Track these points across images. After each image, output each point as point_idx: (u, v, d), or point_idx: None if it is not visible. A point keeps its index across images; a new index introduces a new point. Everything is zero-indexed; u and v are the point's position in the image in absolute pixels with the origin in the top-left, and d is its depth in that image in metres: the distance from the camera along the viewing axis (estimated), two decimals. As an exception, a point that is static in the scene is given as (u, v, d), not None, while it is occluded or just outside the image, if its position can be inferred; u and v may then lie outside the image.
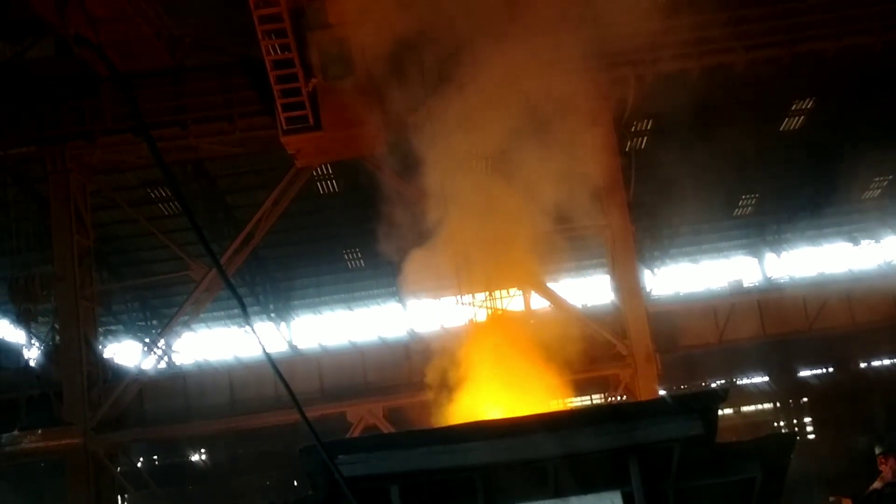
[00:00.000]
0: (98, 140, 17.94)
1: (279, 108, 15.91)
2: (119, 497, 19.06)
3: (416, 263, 14.38)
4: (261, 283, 28.05)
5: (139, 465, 22.05)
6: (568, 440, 7.29)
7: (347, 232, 25.08)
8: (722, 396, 7.81)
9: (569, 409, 8.88)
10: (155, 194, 21.50)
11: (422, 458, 7.36)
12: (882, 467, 13.76)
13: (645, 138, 21.38)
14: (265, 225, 18.38)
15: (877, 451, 13.93)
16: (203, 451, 25.19)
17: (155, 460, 24.88)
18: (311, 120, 15.97)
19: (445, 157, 13.40)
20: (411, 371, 18.25)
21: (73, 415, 17.07)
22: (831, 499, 13.63)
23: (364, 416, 17.42)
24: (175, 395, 18.25)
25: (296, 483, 22.59)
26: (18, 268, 17.80)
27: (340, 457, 7.38)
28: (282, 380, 5.62)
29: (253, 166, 20.83)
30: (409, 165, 14.15)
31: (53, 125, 17.84)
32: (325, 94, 15.93)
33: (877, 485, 13.77)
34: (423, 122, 13.80)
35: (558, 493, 7.63)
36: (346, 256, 27.19)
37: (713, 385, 23.42)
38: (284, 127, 16.17)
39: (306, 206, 22.31)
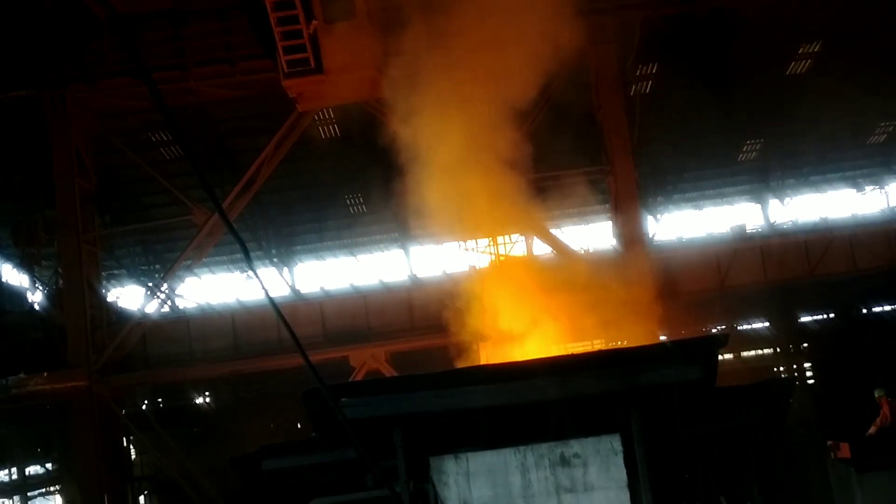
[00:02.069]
0: (98, 83, 17.80)
1: (280, 51, 15.73)
2: (124, 439, 19.28)
3: (418, 208, 14.36)
4: (263, 228, 28.02)
5: (144, 407, 22.27)
6: (569, 384, 7.35)
7: (349, 177, 24.96)
8: (722, 342, 7.85)
9: (570, 353, 8.92)
10: (156, 138, 21.37)
11: (425, 401, 7.43)
12: (883, 410, 13.95)
13: (650, 83, 21.15)
14: (267, 170, 18.31)
15: (876, 394, 14.08)
16: (207, 394, 25.42)
17: (160, 403, 25.08)
18: (312, 63, 15.80)
19: (447, 101, 13.30)
20: (413, 316, 18.35)
21: (77, 358, 17.20)
22: (829, 443, 13.74)
23: (367, 360, 17.54)
24: (178, 338, 18.36)
25: (299, 426, 22.84)
26: (21, 212, 17.79)
27: (344, 400, 7.47)
28: (285, 323, 5.64)
29: (254, 110, 20.65)
30: (411, 109, 14.04)
31: (53, 69, 17.69)
32: (326, 37, 15.73)
33: (872, 430, 13.94)
34: (424, 64, 13.67)
35: (559, 437, 7.71)
36: (348, 202, 27.10)
37: (714, 331, 23.49)
38: (285, 70, 16.00)
39: (308, 151, 22.18)
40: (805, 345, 24.60)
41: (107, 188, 20.98)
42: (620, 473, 7.48)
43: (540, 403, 7.51)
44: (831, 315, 25.07)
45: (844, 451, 13.23)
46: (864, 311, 24.95)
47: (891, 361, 19.47)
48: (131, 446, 21.10)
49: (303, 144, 19.74)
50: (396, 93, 14.41)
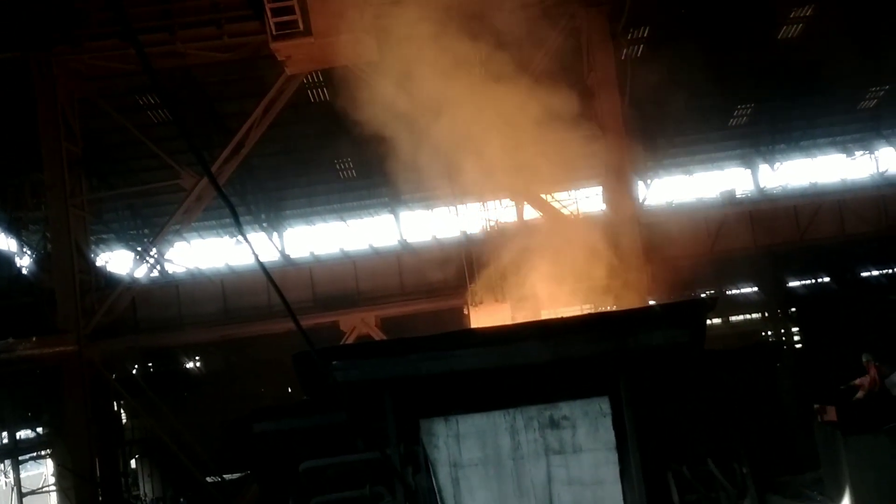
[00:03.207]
0: (84, 45, 17.61)
1: (268, 13, 15.57)
2: (115, 403, 19.32)
3: (409, 173, 14.31)
4: (252, 192, 27.92)
5: (134, 372, 22.29)
6: (558, 347, 7.37)
7: (339, 142, 24.82)
8: (710, 305, 7.89)
9: (558, 316, 8.95)
10: (143, 101, 21.21)
11: (415, 364, 7.45)
12: (870, 374, 14.09)
13: (641, 46, 21.04)
14: (255, 134, 18.20)
15: (863, 359, 14.22)
16: (198, 358, 25.46)
17: (150, 368, 25.12)
18: (300, 25, 15.65)
19: (437, 63, 13.21)
20: (403, 281, 18.37)
21: (66, 322, 17.18)
22: (816, 406, 13.88)
23: (357, 325, 17.58)
24: (168, 303, 18.34)
25: (290, 390, 22.92)
26: (8, 176, 17.67)
27: (334, 363, 7.48)
28: (275, 287, 5.63)
29: (242, 74, 20.47)
30: (401, 72, 13.94)
31: (38, 31, 17.46)
32: (315, -1, 15.58)
33: (860, 394, 14.09)
34: (413, 27, 13.55)
35: (548, 399, 7.75)
36: (337, 167, 27.00)
37: (703, 295, 23.59)
38: (274, 33, 15.84)
39: (297, 115, 22.05)
40: (793, 309, 24.74)
41: (94, 152, 20.84)
42: (609, 435, 7.54)
43: (529, 366, 7.54)
44: (820, 280, 25.19)
45: (831, 414, 13.38)
46: (853, 275, 25.07)
47: (878, 326, 19.62)
48: (122, 411, 21.15)
49: (292, 108, 19.61)
50: (386, 56, 14.32)
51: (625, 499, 7.48)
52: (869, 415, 12.72)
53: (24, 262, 19.63)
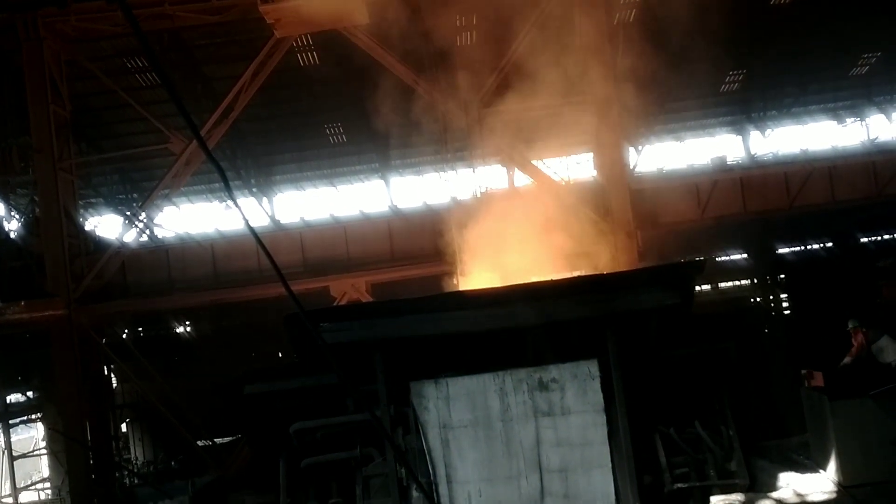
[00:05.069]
0: (71, 7, 17.39)
1: (257, -24, 15.39)
2: (105, 368, 19.33)
3: (399, 137, 14.27)
4: (242, 157, 27.80)
5: (125, 336, 22.28)
6: (547, 310, 7.40)
7: (329, 106, 24.70)
8: (698, 268, 7.91)
9: (548, 279, 8.95)
10: (131, 64, 21.02)
11: (405, 326, 7.47)
12: (853, 341, 14.19)
13: (633, 11, 20.90)
14: (245, 97, 18.05)
15: (849, 325, 14.31)
16: (188, 323, 25.47)
17: (140, 332, 25.13)
18: (290, -13, 15.48)
19: (428, 24, 13.12)
20: (393, 247, 18.34)
21: (55, 286, 17.12)
22: (803, 372, 14.00)
23: (347, 290, 17.55)
24: (157, 267, 18.27)
25: (280, 355, 22.98)
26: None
27: (324, 325, 7.49)
28: (264, 250, 5.61)
29: (231, 36, 20.29)
30: (392, 35, 13.84)
31: (24, -9, 17.24)
32: (305, -40, 15.39)
33: (847, 360, 14.20)
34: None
35: (537, 362, 7.79)
36: (327, 131, 26.89)
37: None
38: (263, -5, 15.68)
39: (287, 79, 21.89)
40: (782, 276, 24.85)
41: (82, 115, 20.68)
42: (597, 397, 7.59)
43: (519, 329, 7.57)
44: (809, 246, 25.30)
45: (818, 379, 13.49)
46: (842, 242, 25.18)
47: (866, 292, 19.74)
48: (112, 375, 21.17)
49: (281, 72, 19.44)
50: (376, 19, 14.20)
51: (612, 460, 7.55)
52: (855, 380, 12.83)
53: (13, 226, 19.51)
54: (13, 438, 20.56)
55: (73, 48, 18.23)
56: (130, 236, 18.41)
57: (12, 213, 19.63)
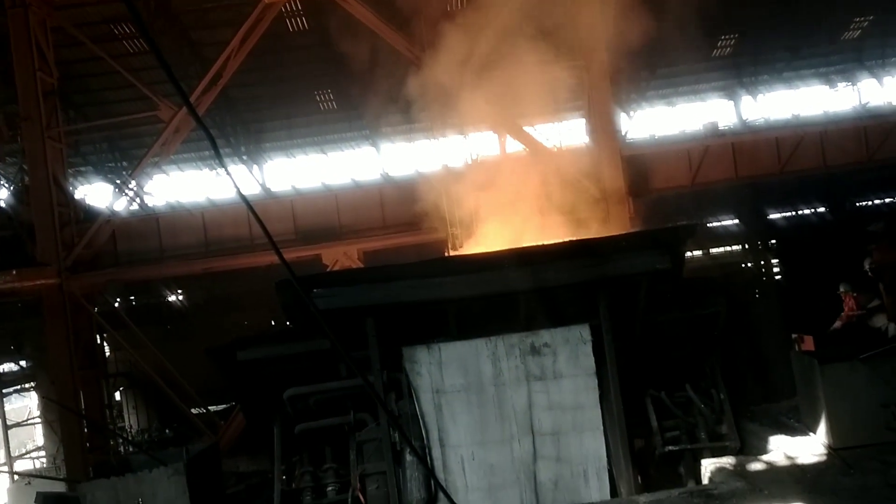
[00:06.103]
0: (55, -28, 17.18)
1: (245, -61, 15.19)
2: (98, 336, 19.30)
3: (391, 104, 14.17)
4: (231, 124, 27.61)
5: (116, 305, 22.24)
6: (538, 274, 7.40)
7: (319, 72, 24.51)
8: (689, 232, 7.92)
9: (540, 244, 8.91)
10: (118, 31, 20.78)
11: (397, 291, 7.46)
12: (844, 305, 14.28)
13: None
14: (233, 64, 17.85)
15: (840, 289, 14.38)
16: (180, 291, 25.43)
17: (132, 301, 25.08)
18: (278, -49, 15.29)
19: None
20: (385, 214, 18.29)
21: (46, 255, 17.04)
22: (794, 336, 14.06)
23: (339, 258, 17.51)
24: (148, 236, 18.19)
25: (273, 323, 22.98)
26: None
27: (316, 290, 7.48)
28: (257, 219, 5.58)
29: (218, 1, 20.07)
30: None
31: (7, -44, 17.00)
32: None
33: (837, 324, 14.28)
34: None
35: (529, 327, 7.81)
36: (318, 98, 26.70)
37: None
38: (251, -41, 15.49)
39: (276, 45, 21.68)
40: (773, 241, 24.91)
41: (69, 83, 20.48)
42: (588, 361, 7.63)
43: (511, 294, 7.59)
44: (800, 211, 25.35)
45: (808, 343, 13.55)
46: (833, 207, 25.23)
47: (856, 257, 19.79)
48: (105, 343, 21.16)
49: (270, 38, 19.24)
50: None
51: (604, 423, 7.61)
52: (845, 344, 12.88)
53: (2, 195, 19.40)
54: (7, 408, 20.55)
55: (58, 14, 18.00)
56: (120, 205, 18.31)
57: (1, 182, 19.51)
